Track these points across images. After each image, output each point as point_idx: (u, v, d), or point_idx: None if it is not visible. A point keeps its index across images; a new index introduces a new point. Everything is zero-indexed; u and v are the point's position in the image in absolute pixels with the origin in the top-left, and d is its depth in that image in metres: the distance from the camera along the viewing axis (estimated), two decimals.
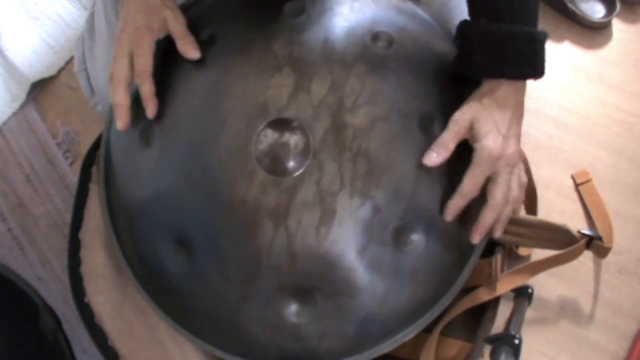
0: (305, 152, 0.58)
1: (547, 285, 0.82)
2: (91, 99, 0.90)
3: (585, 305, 0.82)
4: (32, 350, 0.74)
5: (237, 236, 0.58)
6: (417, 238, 0.59)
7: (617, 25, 1.00)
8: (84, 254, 0.69)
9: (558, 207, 0.87)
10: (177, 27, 0.63)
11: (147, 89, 0.61)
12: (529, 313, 0.78)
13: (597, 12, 1.00)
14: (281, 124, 0.59)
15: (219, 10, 0.69)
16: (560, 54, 0.99)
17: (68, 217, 0.85)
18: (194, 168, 0.60)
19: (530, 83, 0.62)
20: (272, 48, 0.62)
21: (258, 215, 0.57)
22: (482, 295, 0.70)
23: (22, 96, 0.99)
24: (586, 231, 0.69)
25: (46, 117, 0.99)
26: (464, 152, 0.60)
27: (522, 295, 0.75)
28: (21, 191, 0.94)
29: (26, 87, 0.99)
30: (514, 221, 0.66)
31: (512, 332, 0.68)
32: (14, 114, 0.99)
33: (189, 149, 0.61)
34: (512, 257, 0.82)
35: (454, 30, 0.64)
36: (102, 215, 0.67)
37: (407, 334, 0.61)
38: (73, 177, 0.94)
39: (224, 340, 0.62)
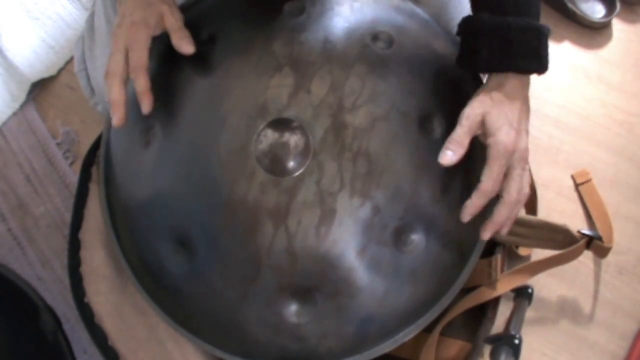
0: (305, 152, 0.58)
1: (547, 285, 0.82)
2: (91, 99, 0.90)
3: (585, 305, 0.82)
4: (32, 350, 0.74)
5: (237, 236, 0.58)
6: (417, 238, 0.59)
7: (617, 25, 1.00)
8: (84, 254, 0.69)
9: (558, 207, 0.87)
10: (173, 22, 0.62)
11: (142, 84, 0.60)
12: (529, 313, 0.78)
13: (597, 12, 1.00)
14: (281, 124, 0.59)
15: (219, 10, 0.69)
16: (560, 54, 0.99)
17: (68, 217, 0.85)
18: (194, 168, 0.60)
19: (530, 83, 0.62)
20: (272, 48, 0.62)
21: (258, 215, 0.57)
22: (482, 295, 0.70)
23: (22, 96, 0.99)
24: (586, 231, 0.69)
25: (46, 117, 0.99)
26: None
27: (522, 295, 0.75)
28: (21, 191, 0.94)
29: (26, 87, 0.99)
30: (514, 221, 0.66)
31: (512, 332, 0.68)
32: (14, 114, 0.99)
33: (189, 149, 0.61)
34: (512, 257, 0.82)
35: (453, 30, 0.64)
36: (102, 215, 0.67)
37: (407, 334, 0.61)
38: (73, 177, 0.94)
39: (224, 340, 0.62)
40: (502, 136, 0.58)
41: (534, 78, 0.61)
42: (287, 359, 0.60)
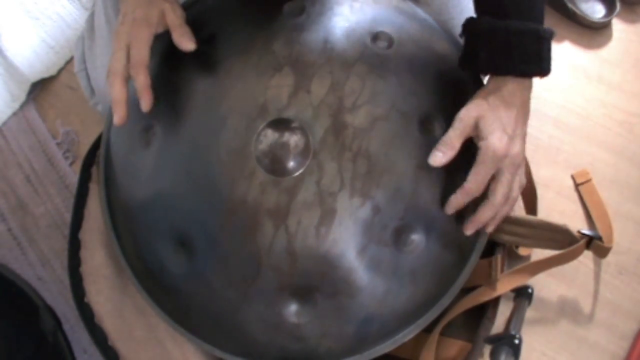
0: (305, 152, 0.58)
1: (547, 285, 0.82)
2: (91, 99, 0.90)
3: (585, 305, 0.82)
4: (32, 350, 0.74)
5: (237, 236, 0.58)
6: (417, 238, 0.59)
7: (617, 25, 1.00)
8: (84, 254, 0.69)
9: (558, 207, 0.87)
10: (174, 19, 0.62)
11: (142, 81, 0.60)
12: (529, 313, 0.78)
13: (597, 12, 1.00)
14: (281, 124, 0.59)
15: (219, 10, 0.69)
16: (560, 54, 0.99)
17: (68, 217, 0.85)
18: (194, 168, 0.60)
19: (532, 86, 0.61)
20: (272, 48, 0.62)
21: (258, 215, 0.57)
22: (482, 295, 0.70)
23: (22, 96, 0.99)
24: (586, 231, 0.68)
25: (46, 117, 0.99)
26: (466, 151, 0.60)
27: (522, 295, 0.75)
28: (21, 191, 0.94)
29: (26, 87, 0.99)
30: (514, 221, 0.66)
31: (512, 332, 0.68)
32: (14, 114, 0.99)
33: (189, 149, 0.61)
34: (512, 257, 0.82)
35: (453, 30, 0.64)
36: (102, 215, 0.67)
37: (407, 334, 0.61)
38: (73, 177, 0.94)
39: (224, 340, 0.62)
40: (493, 140, 0.58)
41: (535, 78, 0.61)
42: (287, 359, 0.60)
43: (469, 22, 0.62)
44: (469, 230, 0.61)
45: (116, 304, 0.67)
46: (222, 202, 0.59)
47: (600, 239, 0.69)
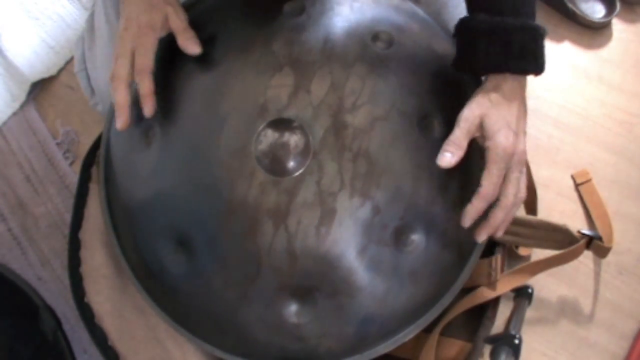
0: (305, 152, 0.58)
1: (547, 285, 0.82)
2: (91, 99, 0.90)
3: (585, 305, 0.82)
4: (32, 350, 0.74)
5: (237, 236, 0.58)
6: (417, 238, 0.59)
7: (617, 25, 1.00)
8: (84, 254, 0.69)
9: (558, 207, 0.87)
10: (178, 23, 0.62)
11: (146, 87, 0.61)
12: (529, 313, 0.78)
13: (597, 12, 1.00)
14: (281, 124, 0.59)
15: (219, 10, 0.69)
16: (560, 54, 0.99)
17: (68, 217, 0.85)
18: (194, 168, 0.60)
19: (530, 83, 0.61)
20: (272, 48, 0.62)
21: (258, 215, 0.57)
22: (482, 295, 0.70)
23: (22, 96, 0.99)
24: (586, 231, 0.69)
25: (46, 117, 0.99)
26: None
27: (522, 295, 0.75)
28: (21, 191, 0.94)
29: (26, 87, 0.99)
30: (514, 221, 0.66)
31: (512, 332, 0.68)
32: (14, 114, 0.99)
33: (189, 149, 0.61)
34: (512, 257, 0.82)
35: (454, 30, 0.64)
36: (102, 215, 0.67)
37: (407, 334, 0.61)
38: (73, 177, 0.94)
39: (224, 340, 0.62)
40: (501, 139, 0.57)
41: (533, 78, 0.61)
42: (287, 359, 0.60)
43: (463, 21, 0.61)
44: (482, 237, 0.60)
45: (116, 304, 0.67)
46: (222, 202, 0.59)
47: (600, 239, 0.69)
